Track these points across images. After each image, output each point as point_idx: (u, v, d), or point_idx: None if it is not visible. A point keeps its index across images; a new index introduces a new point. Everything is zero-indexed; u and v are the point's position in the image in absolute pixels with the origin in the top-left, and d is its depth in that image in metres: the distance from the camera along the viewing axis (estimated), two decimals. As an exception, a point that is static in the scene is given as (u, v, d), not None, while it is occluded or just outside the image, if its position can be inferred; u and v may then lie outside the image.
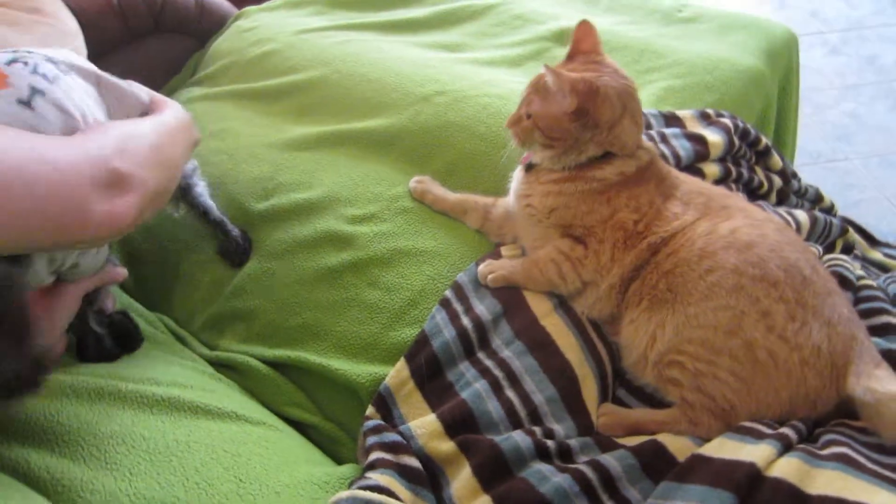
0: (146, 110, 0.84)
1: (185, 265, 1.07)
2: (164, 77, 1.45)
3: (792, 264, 0.78)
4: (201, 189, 1.00)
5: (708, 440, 0.73)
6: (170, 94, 1.39)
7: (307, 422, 0.89)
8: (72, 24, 1.21)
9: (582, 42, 0.89)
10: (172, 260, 1.08)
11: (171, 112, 0.84)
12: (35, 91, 0.65)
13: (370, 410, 0.82)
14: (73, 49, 1.13)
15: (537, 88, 0.87)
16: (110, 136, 0.67)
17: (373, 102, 1.18)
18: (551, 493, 0.68)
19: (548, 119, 0.84)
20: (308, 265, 0.98)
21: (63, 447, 0.61)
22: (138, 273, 1.08)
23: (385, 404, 0.82)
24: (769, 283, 0.76)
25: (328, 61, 1.27)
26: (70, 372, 0.73)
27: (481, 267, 0.91)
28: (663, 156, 1.03)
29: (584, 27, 0.89)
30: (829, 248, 1.16)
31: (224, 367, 0.93)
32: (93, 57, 1.15)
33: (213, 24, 1.50)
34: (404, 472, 0.72)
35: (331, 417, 0.90)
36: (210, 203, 1.01)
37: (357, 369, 0.87)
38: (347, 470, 0.77)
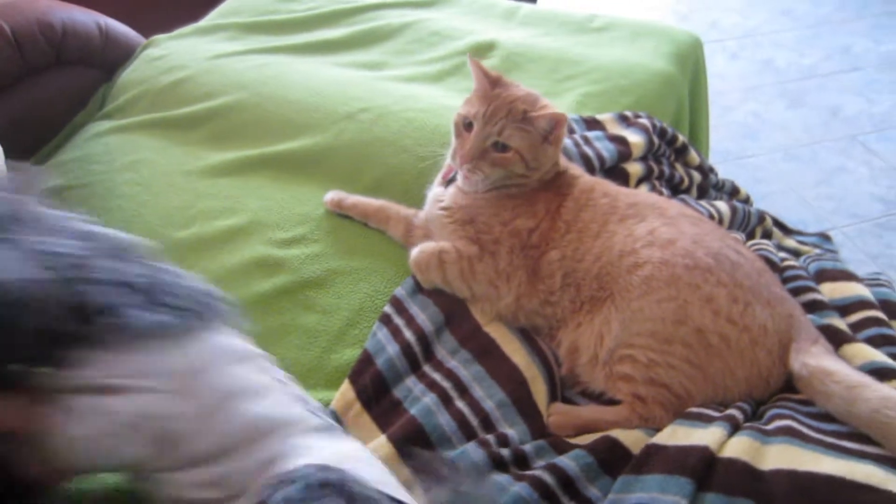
0: None
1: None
2: (68, 113, 1.36)
3: (717, 251, 0.80)
4: None
5: (659, 430, 0.73)
6: (76, 130, 1.31)
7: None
8: (-40, 58, 1.12)
9: (488, 73, 0.88)
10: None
11: None
12: None
13: (316, 438, 0.78)
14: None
15: (515, 120, 0.84)
16: None
17: (295, 123, 1.15)
18: None
19: (533, 151, 0.86)
20: (239, 293, 0.93)
21: None
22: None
23: (332, 430, 0.78)
24: (703, 270, 0.77)
25: (245, 85, 1.23)
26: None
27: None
28: (587, 157, 1.05)
29: (476, 62, 0.89)
30: (750, 237, 1.20)
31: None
32: (-14, 92, 1.07)
33: (120, 55, 1.43)
34: None
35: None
36: None
37: (299, 398, 0.83)
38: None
